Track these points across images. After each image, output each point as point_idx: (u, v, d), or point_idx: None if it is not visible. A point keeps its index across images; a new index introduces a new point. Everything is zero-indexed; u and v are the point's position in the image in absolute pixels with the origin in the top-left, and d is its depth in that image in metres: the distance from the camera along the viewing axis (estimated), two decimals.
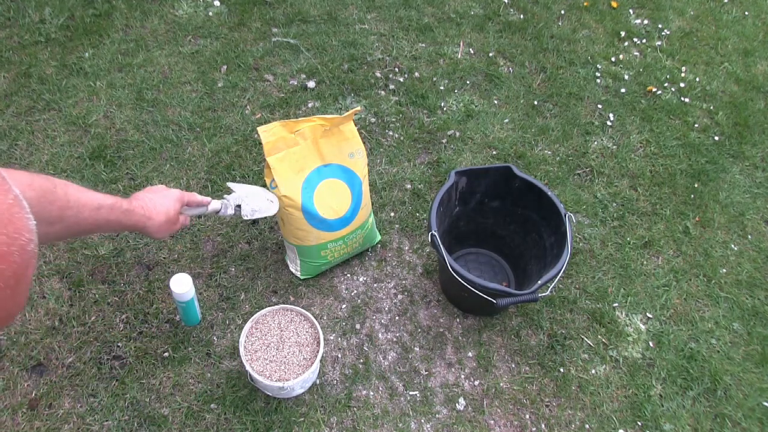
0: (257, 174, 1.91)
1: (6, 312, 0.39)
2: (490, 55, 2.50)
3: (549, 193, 1.54)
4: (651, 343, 1.70)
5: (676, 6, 2.98)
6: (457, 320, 1.67)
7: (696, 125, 2.38)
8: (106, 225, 1.00)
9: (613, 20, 2.80)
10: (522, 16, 2.72)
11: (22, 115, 2.00)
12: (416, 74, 2.36)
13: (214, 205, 1.37)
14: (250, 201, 1.45)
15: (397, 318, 1.66)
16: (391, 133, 2.13)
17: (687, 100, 2.47)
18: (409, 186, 1.98)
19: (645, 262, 1.88)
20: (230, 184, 1.47)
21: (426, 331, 1.64)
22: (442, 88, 2.32)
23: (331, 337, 1.60)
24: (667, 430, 1.53)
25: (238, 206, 1.42)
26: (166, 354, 1.51)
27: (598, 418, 1.53)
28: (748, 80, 2.63)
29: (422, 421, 1.48)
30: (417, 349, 1.61)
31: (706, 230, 2.02)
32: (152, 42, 2.32)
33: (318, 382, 1.51)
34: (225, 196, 1.42)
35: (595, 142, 2.23)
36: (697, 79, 2.58)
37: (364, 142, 1.71)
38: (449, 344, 1.63)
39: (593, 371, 1.62)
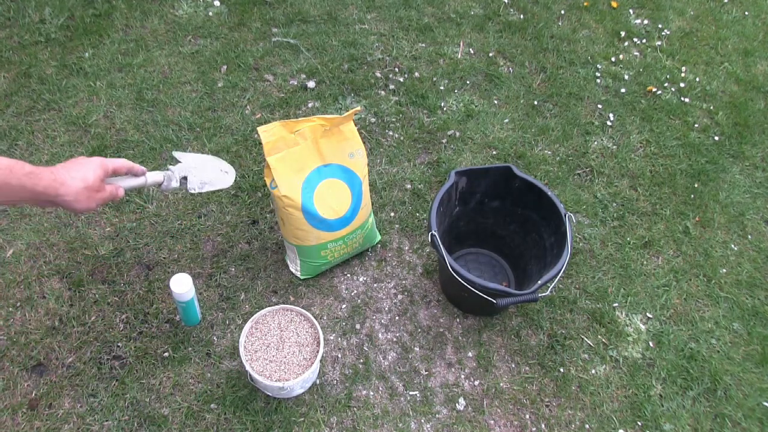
0: (257, 174, 1.91)
1: None
2: (490, 55, 2.50)
3: (549, 193, 1.54)
4: (651, 343, 1.70)
5: (676, 6, 2.98)
6: (457, 320, 1.67)
7: (696, 125, 2.38)
8: (7, 190, 0.92)
9: (613, 20, 2.80)
10: (522, 16, 2.72)
11: (22, 115, 2.00)
12: (416, 74, 2.36)
13: (154, 176, 1.22)
14: (198, 173, 1.32)
15: (397, 318, 1.66)
16: (391, 133, 2.13)
17: (687, 100, 2.47)
18: (409, 186, 1.98)
19: (645, 262, 1.88)
20: (176, 154, 1.33)
21: (426, 331, 1.64)
22: (442, 88, 2.32)
23: (331, 337, 1.60)
24: (667, 430, 1.53)
25: (185, 178, 1.29)
26: (166, 354, 1.51)
27: (598, 418, 1.53)
28: (748, 80, 2.63)
29: (422, 421, 1.48)
30: (417, 349, 1.61)
31: (706, 230, 2.02)
32: (152, 42, 2.32)
33: (318, 382, 1.51)
34: (169, 167, 1.29)
35: (595, 142, 2.23)
36: (697, 79, 2.59)
37: (364, 142, 1.71)
38: (449, 344, 1.63)
39: (593, 371, 1.62)
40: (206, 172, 1.35)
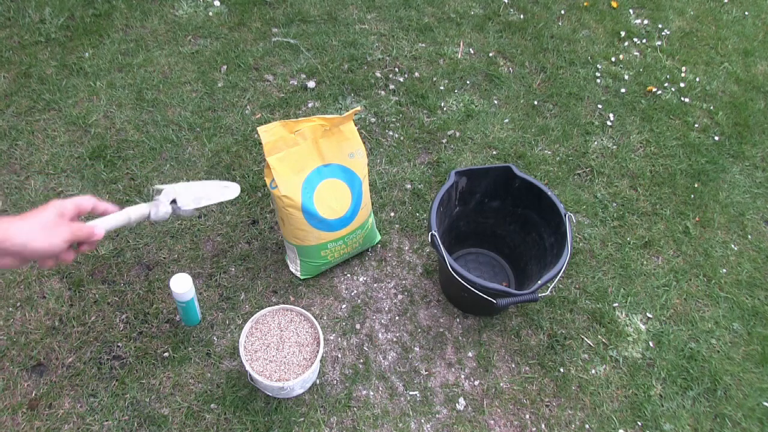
0: (257, 174, 1.91)
1: None
2: (490, 55, 2.50)
3: (549, 193, 1.54)
4: (651, 343, 1.70)
5: (676, 6, 2.98)
6: (457, 320, 1.67)
7: (696, 125, 2.38)
8: None
9: (613, 20, 2.80)
10: (522, 16, 2.72)
11: (22, 115, 2.00)
12: (416, 74, 2.36)
13: (139, 210, 1.10)
14: (191, 192, 1.24)
15: (397, 318, 1.66)
16: (391, 133, 2.13)
17: (687, 100, 2.47)
18: (409, 186, 1.98)
19: (645, 262, 1.88)
20: (158, 187, 1.24)
21: (426, 331, 1.64)
22: (442, 88, 2.32)
23: (331, 337, 1.60)
24: (667, 430, 1.53)
25: (174, 201, 1.20)
26: (166, 354, 1.51)
27: (598, 418, 1.53)
28: (748, 80, 2.63)
29: (422, 421, 1.48)
30: (417, 349, 1.61)
31: (706, 230, 2.02)
32: (152, 42, 2.32)
33: (318, 382, 1.51)
34: (154, 197, 1.21)
35: (595, 142, 2.23)
36: (697, 79, 2.59)
37: (364, 142, 1.71)
38: (449, 344, 1.63)
39: (593, 371, 1.62)
40: (201, 189, 1.27)
